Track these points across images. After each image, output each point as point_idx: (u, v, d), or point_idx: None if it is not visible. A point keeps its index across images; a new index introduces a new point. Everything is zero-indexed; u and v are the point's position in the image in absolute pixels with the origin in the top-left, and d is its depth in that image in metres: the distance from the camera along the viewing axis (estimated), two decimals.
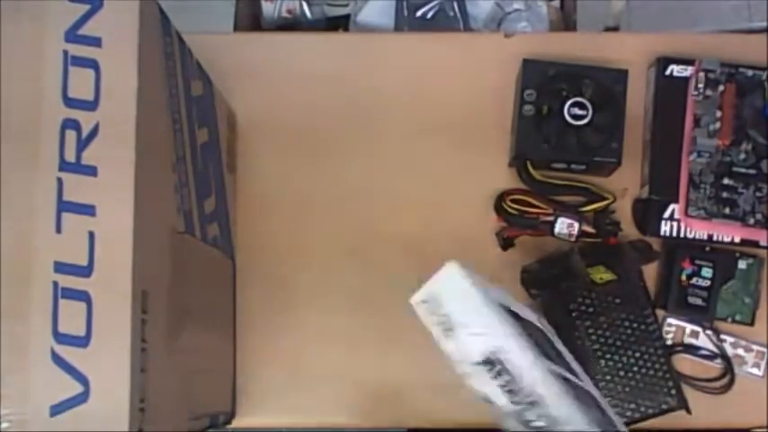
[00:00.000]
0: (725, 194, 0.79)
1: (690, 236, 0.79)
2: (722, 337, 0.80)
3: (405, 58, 0.87)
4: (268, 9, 1.08)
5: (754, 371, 0.80)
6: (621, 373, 0.78)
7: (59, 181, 0.49)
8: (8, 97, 0.50)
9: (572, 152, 0.78)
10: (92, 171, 0.49)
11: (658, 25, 1.42)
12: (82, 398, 0.47)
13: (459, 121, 0.85)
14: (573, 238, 0.79)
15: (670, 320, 0.80)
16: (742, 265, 0.80)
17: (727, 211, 0.78)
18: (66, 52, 0.50)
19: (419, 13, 1.04)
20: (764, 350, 0.80)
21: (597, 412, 0.57)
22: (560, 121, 0.78)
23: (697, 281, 0.79)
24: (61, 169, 0.49)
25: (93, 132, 0.50)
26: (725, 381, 0.79)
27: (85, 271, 0.48)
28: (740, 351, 0.80)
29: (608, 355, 0.78)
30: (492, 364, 0.49)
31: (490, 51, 0.86)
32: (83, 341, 0.48)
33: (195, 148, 0.67)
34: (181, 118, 0.62)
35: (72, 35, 0.50)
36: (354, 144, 0.85)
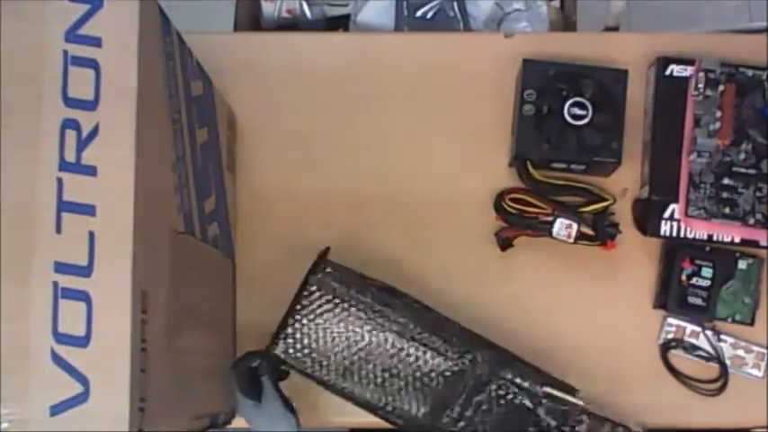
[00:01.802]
0: (725, 194, 0.79)
1: (690, 236, 0.79)
2: (722, 337, 0.80)
3: (405, 58, 0.87)
4: (268, 9, 1.07)
5: (754, 371, 0.80)
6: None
7: (59, 181, 0.49)
8: (8, 97, 0.50)
9: (572, 152, 0.78)
10: (92, 171, 0.49)
11: (658, 25, 1.42)
12: (82, 398, 0.47)
13: (459, 121, 0.85)
14: (571, 240, 0.79)
15: (670, 320, 0.80)
16: (742, 265, 0.80)
17: (727, 211, 0.78)
18: (66, 52, 0.50)
19: (419, 13, 1.04)
20: (764, 351, 0.80)
21: None
22: (560, 121, 0.78)
23: (697, 281, 0.79)
24: (61, 169, 0.49)
25: (93, 132, 0.50)
26: (720, 383, 0.80)
27: (85, 271, 0.48)
28: (740, 352, 0.80)
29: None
30: None
31: (490, 51, 0.86)
32: (83, 341, 0.48)
33: (195, 148, 0.67)
34: (181, 118, 0.62)
35: (72, 35, 0.50)
36: (354, 144, 0.85)
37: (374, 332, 0.75)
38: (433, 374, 0.74)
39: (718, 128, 0.79)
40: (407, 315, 0.75)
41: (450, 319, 0.76)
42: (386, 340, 0.74)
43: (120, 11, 0.51)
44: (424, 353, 0.74)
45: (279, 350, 0.76)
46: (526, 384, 0.72)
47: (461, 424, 0.73)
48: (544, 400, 0.72)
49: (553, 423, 0.72)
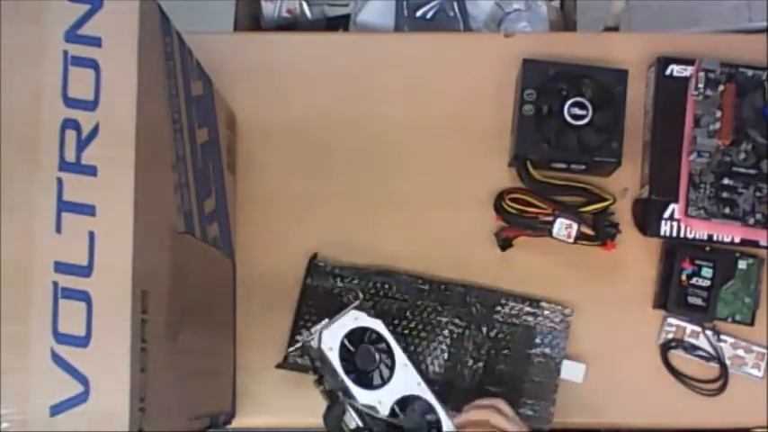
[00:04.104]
0: (725, 194, 0.79)
1: (690, 236, 0.79)
2: (722, 337, 0.80)
3: (405, 58, 0.87)
4: (268, 9, 1.08)
5: (754, 371, 0.80)
6: None
7: (59, 181, 0.49)
8: (8, 97, 0.50)
9: (572, 152, 0.78)
10: (92, 171, 0.49)
11: (658, 25, 1.42)
12: (82, 398, 0.47)
13: (460, 121, 0.85)
14: (571, 240, 0.79)
15: (670, 320, 0.80)
16: (742, 265, 0.80)
17: (727, 211, 0.78)
18: (66, 52, 0.50)
19: (419, 13, 1.04)
20: (764, 351, 0.80)
21: None
22: (560, 121, 0.78)
23: (697, 281, 0.79)
24: (61, 169, 0.49)
25: (93, 132, 0.50)
26: (720, 383, 0.80)
27: (85, 271, 0.48)
28: (740, 352, 0.80)
29: None
30: None
31: (490, 51, 0.86)
32: (83, 341, 0.48)
33: (195, 148, 0.67)
34: (181, 118, 0.62)
35: (72, 35, 0.50)
36: (354, 144, 0.85)
37: (381, 307, 0.80)
38: (439, 330, 0.80)
39: (718, 128, 0.79)
40: (406, 287, 0.81)
41: (442, 283, 0.81)
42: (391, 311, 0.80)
43: (120, 11, 0.51)
44: (429, 314, 0.80)
45: (295, 358, 0.79)
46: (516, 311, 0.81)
47: (479, 363, 0.80)
48: (539, 316, 0.80)
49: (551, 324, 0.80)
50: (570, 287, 0.82)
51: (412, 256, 0.82)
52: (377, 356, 0.73)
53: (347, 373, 0.71)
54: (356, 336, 0.73)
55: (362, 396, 0.71)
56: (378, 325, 0.73)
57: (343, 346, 0.72)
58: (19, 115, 0.50)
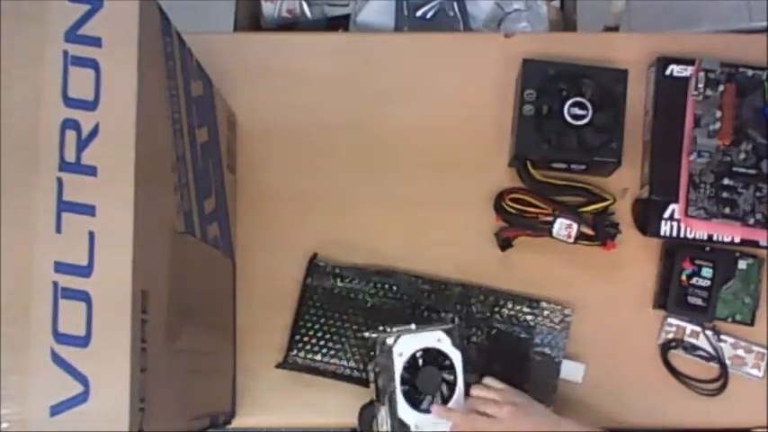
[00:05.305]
0: (725, 194, 0.79)
1: (690, 236, 0.79)
2: (722, 337, 0.80)
3: (405, 58, 0.87)
4: (268, 9, 1.08)
5: (754, 371, 0.80)
6: None
7: (59, 181, 0.49)
8: (8, 97, 0.50)
9: (572, 152, 0.78)
10: (92, 171, 0.49)
11: (658, 25, 1.42)
12: (82, 398, 0.47)
13: (459, 121, 0.85)
14: (571, 240, 0.79)
15: (670, 320, 0.80)
16: (742, 265, 0.80)
17: (727, 211, 0.78)
18: (66, 52, 0.50)
19: (419, 13, 1.04)
20: (764, 351, 0.80)
21: None
22: (560, 121, 0.78)
23: (697, 281, 0.79)
24: (61, 169, 0.49)
25: (93, 132, 0.50)
26: (720, 383, 0.80)
27: (85, 271, 0.48)
28: (740, 352, 0.80)
29: None
30: None
31: (490, 51, 0.86)
32: (83, 341, 0.48)
33: (195, 148, 0.67)
34: (181, 118, 0.62)
35: (72, 35, 0.50)
36: (354, 144, 0.85)
37: (381, 307, 0.80)
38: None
39: (718, 128, 0.79)
40: (406, 287, 0.81)
41: (442, 283, 0.81)
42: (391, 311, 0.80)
43: (120, 11, 0.51)
44: (429, 314, 0.80)
45: (295, 358, 0.80)
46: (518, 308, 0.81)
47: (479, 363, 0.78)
48: (539, 316, 0.80)
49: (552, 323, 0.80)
50: (570, 287, 0.82)
51: (412, 256, 0.83)
52: (439, 384, 0.72)
53: (402, 382, 0.71)
54: (430, 355, 0.72)
55: (404, 411, 0.70)
56: (455, 356, 0.73)
57: (413, 357, 0.72)
58: (19, 115, 0.50)
